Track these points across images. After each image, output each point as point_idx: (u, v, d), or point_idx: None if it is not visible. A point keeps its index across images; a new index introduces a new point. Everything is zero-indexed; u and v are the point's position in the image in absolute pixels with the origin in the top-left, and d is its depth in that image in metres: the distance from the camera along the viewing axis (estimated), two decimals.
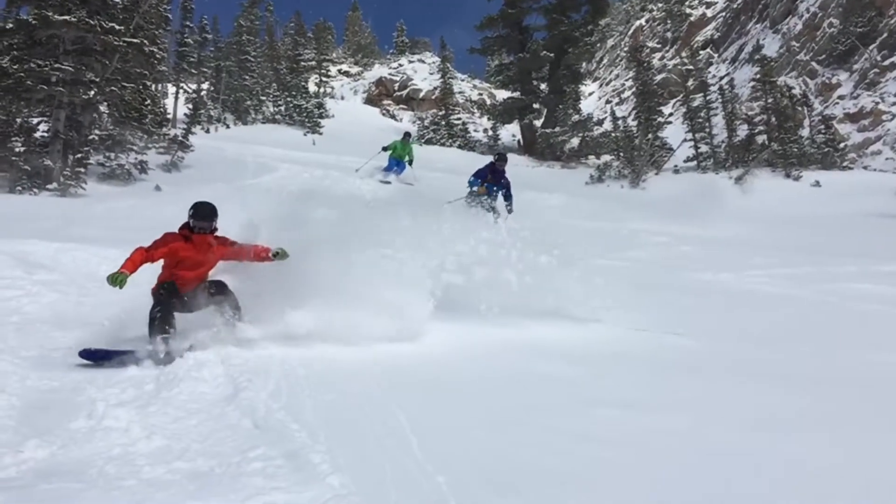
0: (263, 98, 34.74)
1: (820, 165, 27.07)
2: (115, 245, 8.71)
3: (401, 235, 7.32)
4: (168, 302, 5.99)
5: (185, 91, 31.94)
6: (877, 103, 32.18)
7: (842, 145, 29.46)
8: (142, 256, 5.92)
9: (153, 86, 26.28)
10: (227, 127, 30.95)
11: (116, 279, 5.56)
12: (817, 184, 24.28)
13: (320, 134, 32.01)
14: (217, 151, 22.99)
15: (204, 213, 6.26)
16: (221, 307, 6.16)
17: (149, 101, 22.33)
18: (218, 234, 6.40)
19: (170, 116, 28.10)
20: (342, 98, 47.90)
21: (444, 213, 8.55)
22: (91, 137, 17.92)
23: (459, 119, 36.63)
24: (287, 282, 6.42)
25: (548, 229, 8.44)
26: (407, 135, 22.72)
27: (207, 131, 28.65)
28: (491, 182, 13.50)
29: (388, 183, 20.17)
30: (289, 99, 34.17)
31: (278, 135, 29.88)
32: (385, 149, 21.20)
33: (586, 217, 16.84)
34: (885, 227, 17.74)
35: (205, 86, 33.97)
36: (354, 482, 3.43)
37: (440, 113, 37.09)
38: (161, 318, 5.83)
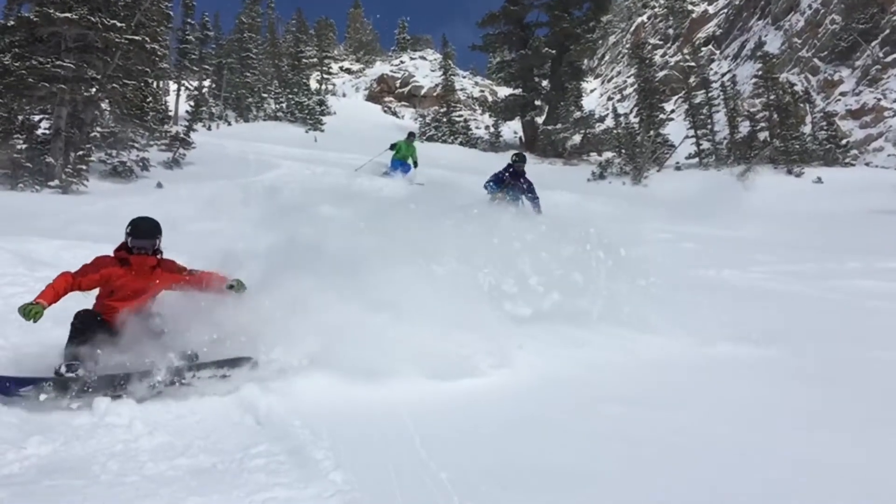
0: (265, 95, 34.72)
1: (822, 162, 27.05)
2: (117, 243, 8.73)
3: (448, 245, 6.87)
4: (82, 336, 4.88)
5: (187, 88, 31.95)
6: (879, 100, 32.11)
7: (844, 142, 29.41)
8: (67, 283, 4.95)
9: (155, 83, 26.28)
10: (229, 124, 30.92)
11: (30, 311, 4.57)
12: (819, 180, 24.26)
13: (322, 131, 31.96)
14: (219, 148, 22.99)
15: (144, 230, 5.27)
16: (165, 351, 4.88)
17: (150, 99, 22.35)
18: (165, 256, 5.44)
19: (171, 114, 28.10)
20: (344, 95, 47.85)
21: (476, 216, 8.10)
22: (93, 135, 17.93)
23: (461, 116, 36.61)
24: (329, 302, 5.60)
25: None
26: (411, 135, 22.58)
27: (209, 128, 28.62)
28: (511, 186, 12.02)
29: (388, 173, 20.15)
30: (290, 96, 34.14)
31: (280, 132, 29.86)
32: (392, 147, 21.09)
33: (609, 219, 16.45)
34: (888, 224, 17.72)
35: (206, 83, 33.97)
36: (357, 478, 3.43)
37: (442, 110, 37.06)
38: (68, 354, 4.81)
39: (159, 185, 17.44)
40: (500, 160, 28.72)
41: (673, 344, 6.42)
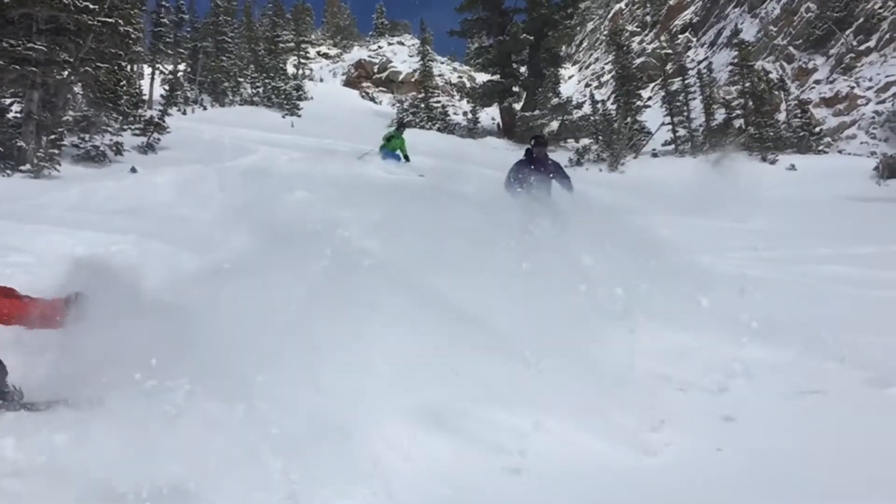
0: (241, 80, 34.42)
1: (796, 149, 27.36)
2: (90, 227, 8.65)
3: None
4: None
5: (162, 72, 31.57)
6: (852, 88, 32.48)
7: (817, 129, 29.74)
8: None
9: (128, 66, 25.92)
10: (204, 109, 30.63)
11: None
12: (793, 167, 24.54)
13: (299, 116, 31.77)
14: (194, 133, 22.78)
15: None
16: None
17: (124, 82, 22.03)
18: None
19: (146, 98, 27.76)
20: (321, 80, 47.59)
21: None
22: (65, 118, 17.68)
23: (439, 102, 36.58)
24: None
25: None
26: (402, 125, 22.15)
27: (184, 113, 28.34)
28: (535, 177, 9.73)
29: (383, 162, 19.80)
30: (267, 81, 33.88)
31: (256, 117, 29.65)
32: (390, 147, 20.52)
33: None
34: (859, 210, 17.98)
35: (181, 67, 33.60)
36: None
37: (420, 96, 37.01)
38: None
39: (133, 170, 17.23)
40: (478, 147, 28.87)
41: None
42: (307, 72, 46.89)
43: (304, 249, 4.95)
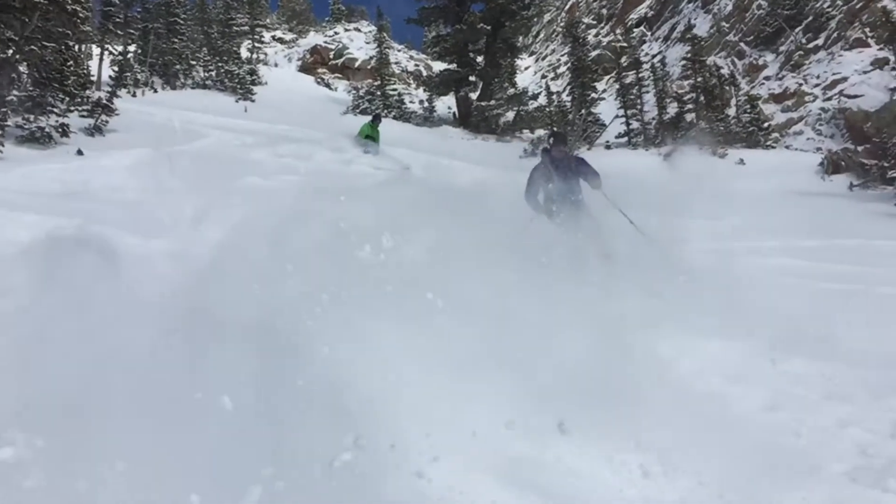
0: (193, 63, 33.78)
1: (745, 144, 27.90)
2: (33, 211, 8.43)
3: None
4: None
5: (111, 53, 30.80)
6: (800, 85, 33.18)
7: (766, 125, 30.37)
8: None
9: (76, 46, 25.23)
10: (155, 91, 30.01)
11: None
12: (742, 162, 25.02)
13: (253, 101, 31.34)
14: (144, 116, 22.31)
15: None
16: None
17: (71, 62, 21.40)
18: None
19: (94, 79, 27.04)
20: (276, 65, 47.00)
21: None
22: (9, 98, 17.13)
23: (395, 90, 36.35)
24: None
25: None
26: (377, 117, 21.76)
27: (134, 95, 27.73)
28: (559, 179, 8.54)
29: (367, 151, 19.39)
30: (220, 64, 33.33)
31: (209, 101, 29.14)
32: (360, 137, 20.23)
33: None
34: (805, 204, 18.44)
35: (131, 48, 32.80)
36: None
37: (376, 83, 36.76)
38: None
39: (80, 153, 16.81)
40: (434, 135, 28.85)
41: None
42: (262, 56, 46.24)
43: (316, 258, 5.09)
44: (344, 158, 17.66)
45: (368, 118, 22.07)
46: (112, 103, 20.56)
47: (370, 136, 20.30)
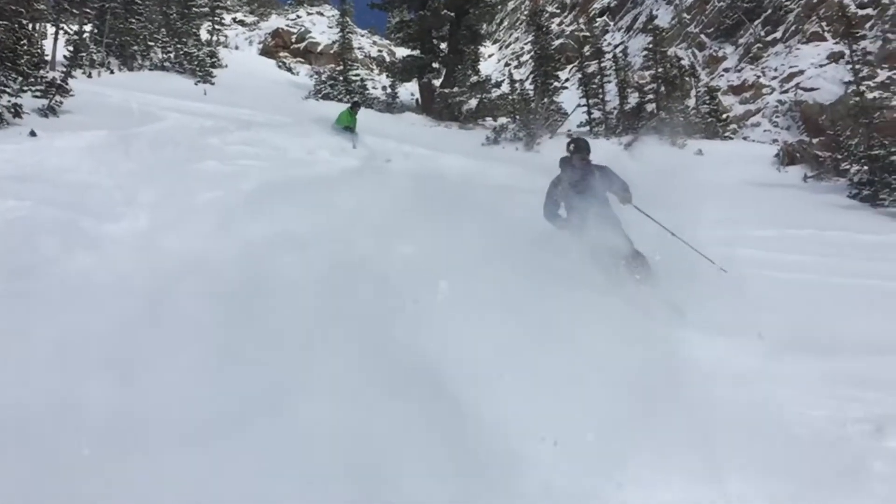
0: (151, 44, 33.07)
1: (703, 135, 28.28)
2: None
3: None
4: None
5: (66, 32, 30.03)
6: (758, 77, 33.71)
7: (724, 116, 30.82)
8: None
9: (30, 25, 24.58)
10: (112, 72, 29.34)
11: None
12: (700, 152, 25.35)
13: (212, 84, 30.81)
14: (99, 97, 21.80)
15: None
16: None
17: (25, 41, 20.84)
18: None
19: (48, 58, 26.38)
20: (236, 48, 46.35)
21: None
22: None
23: (358, 75, 36.05)
24: None
25: None
26: (356, 104, 21.30)
27: (90, 76, 27.09)
28: (582, 192, 7.44)
29: (350, 140, 18.90)
30: (179, 46, 32.70)
31: (167, 83, 28.60)
32: (343, 126, 19.67)
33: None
34: (760, 195, 18.77)
35: (87, 28, 32.02)
36: None
37: (338, 68, 36.42)
38: None
39: (33, 134, 16.39)
40: (397, 122, 28.71)
41: None
42: (222, 39, 45.47)
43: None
44: (307, 144, 17.49)
45: (346, 105, 21.24)
46: (67, 84, 20.08)
47: (349, 125, 19.67)
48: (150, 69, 31.75)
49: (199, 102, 24.76)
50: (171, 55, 32.47)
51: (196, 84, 30.11)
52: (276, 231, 6.43)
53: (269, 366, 3.91)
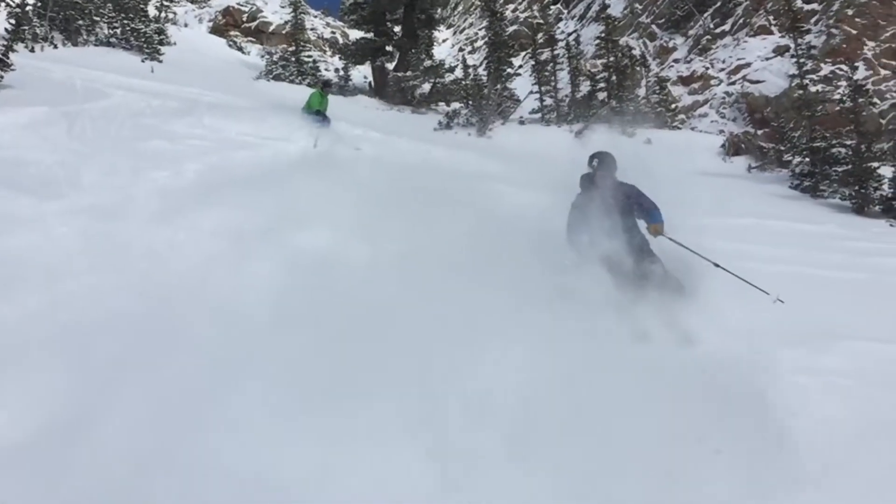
0: (97, 19, 32.18)
1: (653, 124, 28.70)
2: None
3: None
4: None
5: (8, 5, 29.06)
6: (707, 68, 34.27)
7: (673, 106, 31.34)
8: None
9: None
10: (55, 47, 28.52)
11: None
12: (649, 141, 25.75)
13: (160, 62, 30.17)
14: (42, 73, 21.18)
15: None
16: None
17: None
18: None
19: None
20: (185, 26, 45.30)
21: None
22: None
23: (310, 57, 35.66)
24: None
25: None
26: (326, 84, 19.85)
27: (32, 51, 26.30)
28: (606, 214, 6.43)
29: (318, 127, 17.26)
30: (125, 22, 31.89)
31: (112, 59, 27.91)
32: (314, 110, 17.94)
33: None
34: (706, 184, 19.17)
35: (30, 0, 31.06)
36: None
37: (290, 49, 35.95)
38: None
39: None
40: (349, 105, 28.50)
41: None
42: (171, 15, 44.47)
43: None
44: (256, 126, 17.21)
45: (317, 88, 19.35)
46: (7, 58, 19.48)
47: (320, 108, 18.07)
48: (95, 45, 30.97)
49: (145, 80, 24.22)
50: (118, 31, 31.69)
51: (143, 61, 29.48)
52: (221, 219, 6.37)
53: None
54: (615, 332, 5.38)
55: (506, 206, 8.82)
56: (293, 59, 34.27)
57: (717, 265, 6.31)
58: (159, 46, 31.55)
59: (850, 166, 20.80)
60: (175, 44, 34.56)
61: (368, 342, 4.11)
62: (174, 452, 3.21)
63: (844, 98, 22.58)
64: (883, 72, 28.15)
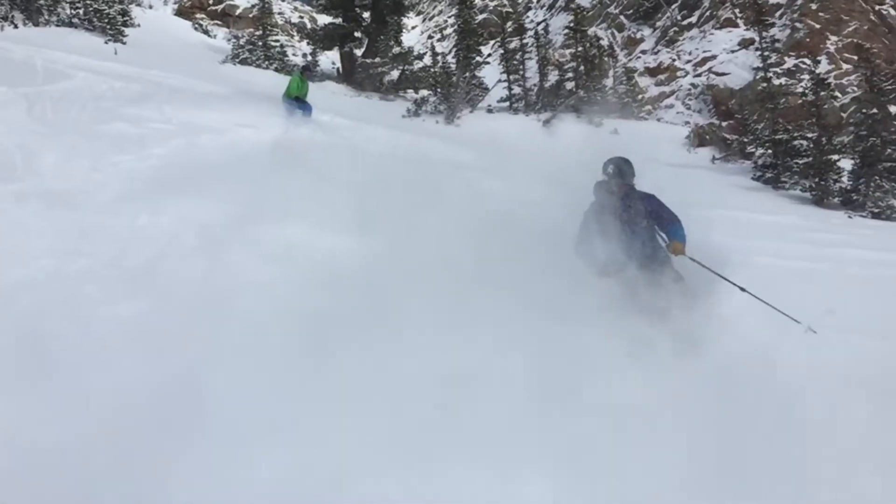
0: None
1: (619, 115, 28.92)
2: None
3: None
4: None
5: None
6: (673, 60, 34.61)
7: (640, 97, 31.61)
8: None
9: None
10: (16, 27, 27.87)
11: None
12: (616, 131, 25.95)
13: (124, 44, 29.62)
14: (1, 53, 20.71)
15: None
16: None
17: None
18: None
19: None
20: (150, 7, 44.46)
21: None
22: None
23: (278, 41, 35.24)
24: None
25: None
26: (306, 69, 19.40)
27: None
28: (622, 225, 5.90)
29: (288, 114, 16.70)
30: (88, 2, 31.25)
31: (75, 40, 27.33)
32: (294, 96, 17.16)
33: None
34: (670, 175, 19.37)
35: None
36: None
37: (257, 33, 35.50)
38: None
39: None
40: (317, 90, 28.24)
41: None
42: None
43: None
44: (222, 111, 16.94)
45: (296, 73, 18.67)
46: None
47: (300, 95, 17.32)
48: (57, 25, 30.30)
49: (108, 62, 23.78)
50: (80, 11, 31.04)
51: (106, 43, 28.92)
52: (185, 206, 6.30)
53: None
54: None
55: (480, 195, 8.75)
56: (260, 43, 33.84)
57: (742, 289, 5.83)
58: (123, 28, 30.97)
59: (810, 159, 21.18)
60: (139, 25, 33.97)
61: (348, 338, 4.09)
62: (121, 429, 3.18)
63: (807, 91, 22.98)
64: (845, 66, 28.65)
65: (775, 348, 4.83)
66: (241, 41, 34.45)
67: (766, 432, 3.86)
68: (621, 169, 6.15)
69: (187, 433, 3.21)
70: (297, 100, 17.09)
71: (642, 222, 5.92)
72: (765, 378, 4.31)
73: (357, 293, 4.77)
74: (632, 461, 3.52)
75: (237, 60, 31.19)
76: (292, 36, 42.87)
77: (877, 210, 19.30)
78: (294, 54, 35.68)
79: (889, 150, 20.85)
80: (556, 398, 3.88)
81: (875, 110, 21.48)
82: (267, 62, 31.98)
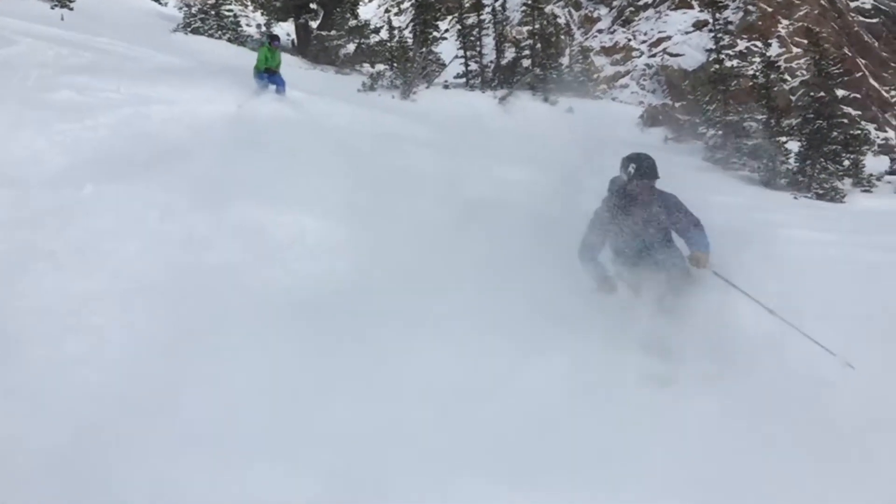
0: None
1: (575, 93, 29.08)
2: None
3: None
4: None
5: None
6: (629, 40, 34.88)
7: (596, 76, 31.83)
8: None
9: None
10: None
11: None
12: (571, 110, 26.12)
13: (71, 9, 28.73)
14: None
15: None
16: None
17: None
18: None
19: None
20: None
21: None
22: None
23: (231, 11, 34.48)
24: None
25: None
26: (275, 38, 18.52)
27: None
28: (636, 228, 5.34)
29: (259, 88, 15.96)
30: None
31: (19, 5, 26.38)
32: (263, 69, 16.47)
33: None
34: (622, 153, 19.58)
35: None
36: None
37: (210, 2, 34.70)
38: None
39: None
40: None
41: None
42: None
43: None
44: (171, 78, 16.51)
45: (264, 44, 17.83)
46: None
47: (269, 67, 16.55)
48: None
49: (55, 28, 23.01)
50: None
51: (52, 8, 27.98)
52: (132, 179, 6.18)
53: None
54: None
55: (446, 174, 8.79)
56: (213, 12, 33.09)
57: (771, 312, 5.18)
58: None
59: (759, 140, 21.62)
60: None
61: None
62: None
63: (757, 74, 23.37)
64: (795, 50, 29.21)
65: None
66: (193, 10, 33.62)
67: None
68: (643, 168, 5.30)
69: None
70: (267, 72, 16.39)
71: (661, 227, 5.35)
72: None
73: (322, 272, 4.84)
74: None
75: (189, 29, 30.47)
76: (246, 5, 41.97)
77: (821, 192, 19.84)
78: (248, 24, 35.00)
79: (834, 133, 21.40)
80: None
81: (822, 94, 22.00)
82: (220, 32, 31.33)
